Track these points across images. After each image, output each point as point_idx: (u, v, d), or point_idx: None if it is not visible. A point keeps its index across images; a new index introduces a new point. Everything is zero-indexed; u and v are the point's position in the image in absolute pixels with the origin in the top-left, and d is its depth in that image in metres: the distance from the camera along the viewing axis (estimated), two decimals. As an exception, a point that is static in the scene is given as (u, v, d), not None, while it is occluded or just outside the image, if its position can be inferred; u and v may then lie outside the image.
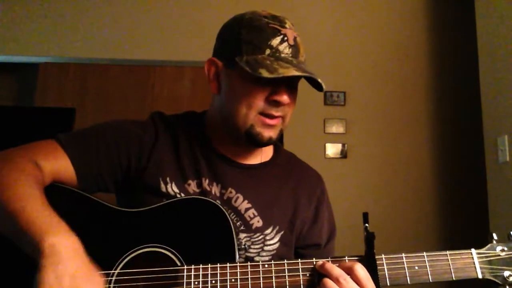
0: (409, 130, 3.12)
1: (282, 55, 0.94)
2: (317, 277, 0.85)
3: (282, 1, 3.25)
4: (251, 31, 0.95)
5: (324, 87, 0.96)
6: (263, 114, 0.96)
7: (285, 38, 0.95)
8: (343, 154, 3.06)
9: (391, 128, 3.11)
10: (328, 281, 0.83)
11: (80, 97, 3.22)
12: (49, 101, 3.20)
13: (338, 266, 0.85)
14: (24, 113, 3.28)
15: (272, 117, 0.97)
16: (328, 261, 0.87)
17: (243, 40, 0.95)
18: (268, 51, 0.93)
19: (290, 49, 0.95)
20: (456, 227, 2.92)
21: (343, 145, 3.07)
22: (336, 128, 3.10)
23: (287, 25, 0.97)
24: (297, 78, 0.97)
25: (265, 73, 0.89)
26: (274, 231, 1.02)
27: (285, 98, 0.95)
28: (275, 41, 0.94)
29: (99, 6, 3.27)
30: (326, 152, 3.07)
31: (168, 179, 1.00)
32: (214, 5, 3.23)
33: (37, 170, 0.89)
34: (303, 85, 1.04)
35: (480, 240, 0.96)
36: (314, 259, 0.87)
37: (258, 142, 0.99)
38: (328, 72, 3.14)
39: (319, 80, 0.94)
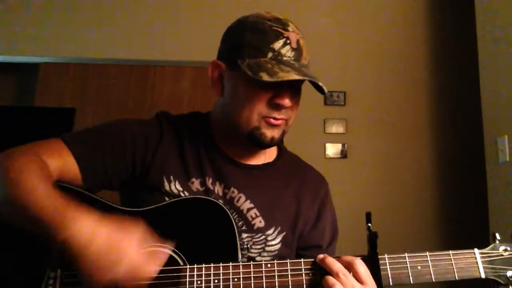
0: (409, 130, 3.12)
1: (284, 58, 0.94)
2: (319, 276, 0.86)
3: (283, 1, 3.24)
4: (254, 34, 0.96)
5: (326, 90, 0.97)
6: (266, 117, 0.97)
7: (288, 41, 0.95)
8: (343, 154, 3.07)
9: (391, 128, 3.11)
10: (329, 278, 0.83)
11: (80, 97, 3.22)
12: (49, 101, 3.20)
13: (338, 260, 0.86)
14: (24, 113, 3.28)
15: (275, 119, 0.97)
16: None
17: (246, 43, 0.96)
18: (270, 54, 0.94)
19: (293, 52, 0.95)
20: (456, 227, 2.93)
21: (343, 145, 3.07)
22: (336, 128, 3.10)
23: (290, 28, 0.97)
24: (300, 81, 0.98)
25: (265, 77, 0.90)
26: (276, 232, 1.03)
27: (286, 101, 0.96)
28: (277, 44, 0.94)
29: (99, 6, 3.27)
30: (326, 152, 3.07)
31: (171, 177, 1.00)
32: (214, 5, 3.23)
33: (43, 164, 0.90)
34: (304, 85, 1.04)
35: (480, 240, 0.96)
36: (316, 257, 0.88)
37: (260, 143, 0.99)
38: (328, 72, 3.14)
39: (320, 83, 0.95)
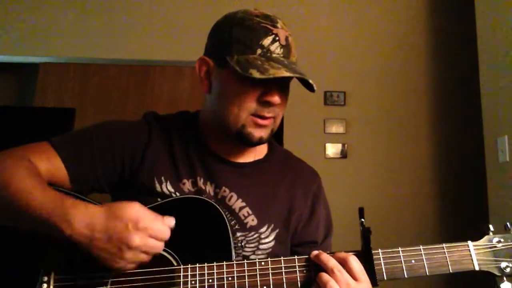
0: (409, 130, 3.11)
1: (273, 55, 0.93)
2: (313, 272, 0.85)
3: (283, 2, 3.24)
4: (242, 30, 0.94)
5: (315, 88, 0.96)
6: (254, 115, 0.96)
7: (277, 38, 0.94)
8: (343, 154, 3.06)
9: (391, 128, 3.11)
10: (324, 275, 0.83)
11: (80, 97, 3.22)
12: (49, 101, 3.21)
13: (332, 256, 0.85)
14: (24, 113, 3.28)
15: (263, 118, 0.96)
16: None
17: (234, 39, 0.94)
18: (259, 51, 0.92)
19: (282, 49, 0.94)
20: (456, 227, 2.92)
21: (343, 145, 3.07)
22: (336, 128, 3.10)
23: (278, 25, 0.96)
24: (288, 78, 0.96)
25: (255, 74, 0.88)
26: (269, 230, 1.02)
27: (276, 98, 0.94)
28: (267, 41, 0.93)
29: (99, 6, 3.27)
30: (326, 152, 3.06)
31: (162, 178, 1.00)
32: (214, 5, 3.23)
33: (32, 165, 0.90)
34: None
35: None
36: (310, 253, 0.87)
37: (248, 142, 0.98)
38: (328, 72, 3.14)
39: (310, 81, 0.94)
